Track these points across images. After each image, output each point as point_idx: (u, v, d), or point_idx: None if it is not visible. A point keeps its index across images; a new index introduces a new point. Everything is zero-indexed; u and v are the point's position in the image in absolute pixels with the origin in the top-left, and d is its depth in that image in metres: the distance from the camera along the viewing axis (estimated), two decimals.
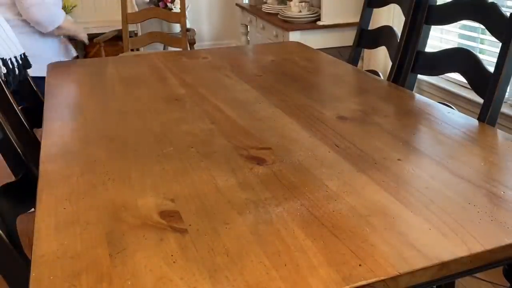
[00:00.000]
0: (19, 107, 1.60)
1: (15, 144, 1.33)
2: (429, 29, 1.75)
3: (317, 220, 0.87)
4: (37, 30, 2.68)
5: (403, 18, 1.82)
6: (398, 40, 1.84)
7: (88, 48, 5.14)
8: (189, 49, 2.36)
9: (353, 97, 1.59)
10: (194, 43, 4.14)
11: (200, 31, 5.25)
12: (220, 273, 0.74)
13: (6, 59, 1.88)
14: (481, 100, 1.44)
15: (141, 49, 3.90)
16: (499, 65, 1.38)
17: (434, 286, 0.84)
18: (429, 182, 1.00)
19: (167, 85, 1.72)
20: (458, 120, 1.34)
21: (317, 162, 1.10)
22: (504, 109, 2.30)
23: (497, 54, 1.40)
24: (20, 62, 1.96)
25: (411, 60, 1.75)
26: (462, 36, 2.73)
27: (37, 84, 1.91)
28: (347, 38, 3.11)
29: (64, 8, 4.90)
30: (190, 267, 0.76)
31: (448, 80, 2.76)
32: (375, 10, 2.28)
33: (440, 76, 2.73)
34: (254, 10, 4.07)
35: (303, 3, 3.43)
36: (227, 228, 0.85)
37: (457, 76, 2.63)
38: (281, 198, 0.94)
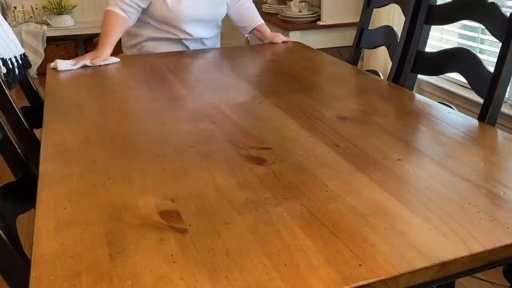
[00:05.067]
0: (19, 107, 1.60)
1: (15, 144, 1.33)
2: (429, 29, 1.75)
3: (317, 220, 0.87)
4: None
5: (403, 18, 1.82)
6: (398, 40, 1.84)
7: (88, 48, 5.16)
8: None
9: (353, 97, 1.58)
10: None
11: None
12: (220, 273, 0.74)
13: (6, 59, 1.88)
14: (481, 100, 1.44)
15: None
16: (499, 65, 1.38)
17: (434, 286, 0.84)
18: (429, 182, 1.00)
19: (167, 85, 1.72)
20: (458, 120, 1.34)
21: (317, 162, 1.10)
22: (504, 109, 2.30)
23: (497, 54, 1.40)
24: (20, 62, 1.96)
25: (411, 60, 1.75)
26: (462, 36, 2.73)
27: None
28: (347, 38, 3.11)
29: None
30: (190, 267, 0.76)
31: (448, 80, 2.76)
32: (375, 10, 2.28)
33: (440, 76, 2.73)
34: None
35: (303, 3, 3.43)
36: (227, 228, 0.85)
37: (457, 76, 2.63)
38: (281, 198, 0.94)
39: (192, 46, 2.24)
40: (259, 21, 2.35)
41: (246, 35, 2.43)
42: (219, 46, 2.39)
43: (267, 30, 2.36)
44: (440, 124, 1.32)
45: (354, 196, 0.95)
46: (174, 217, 0.89)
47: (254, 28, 2.34)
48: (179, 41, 2.20)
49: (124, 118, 1.40)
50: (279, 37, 2.34)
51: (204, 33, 2.23)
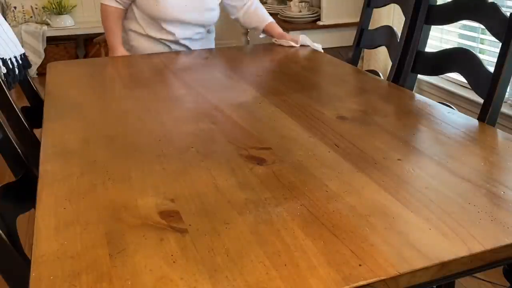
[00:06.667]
0: (19, 107, 1.60)
1: (15, 144, 1.33)
2: (429, 29, 1.75)
3: (317, 220, 0.87)
4: None
5: (403, 18, 1.82)
6: (398, 40, 1.84)
7: (88, 48, 5.16)
8: None
9: (353, 97, 1.58)
10: None
11: None
12: (220, 273, 0.74)
13: (6, 59, 1.88)
14: (481, 100, 1.44)
15: None
16: (499, 65, 1.38)
17: (434, 286, 0.84)
18: (429, 182, 1.00)
19: (167, 85, 1.72)
20: (458, 120, 1.34)
21: (317, 162, 1.10)
22: (504, 109, 2.30)
23: (497, 54, 1.40)
24: (20, 62, 1.96)
25: (411, 60, 1.75)
26: (462, 36, 2.73)
27: None
28: (347, 38, 3.11)
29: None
30: (190, 267, 0.76)
31: (448, 80, 2.76)
32: (375, 10, 2.28)
33: (440, 76, 2.73)
34: None
35: (303, 3, 3.43)
36: (227, 228, 0.85)
37: (457, 76, 2.63)
38: (281, 198, 0.94)
39: (174, 47, 2.21)
40: (266, 21, 2.31)
41: (261, 37, 2.39)
42: (211, 47, 2.35)
43: (275, 29, 2.31)
44: (440, 124, 1.32)
45: (354, 196, 0.95)
46: (174, 217, 0.89)
47: (263, 29, 2.31)
48: (159, 41, 2.18)
49: (124, 118, 1.40)
50: (286, 40, 2.26)
51: (188, 34, 2.20)
